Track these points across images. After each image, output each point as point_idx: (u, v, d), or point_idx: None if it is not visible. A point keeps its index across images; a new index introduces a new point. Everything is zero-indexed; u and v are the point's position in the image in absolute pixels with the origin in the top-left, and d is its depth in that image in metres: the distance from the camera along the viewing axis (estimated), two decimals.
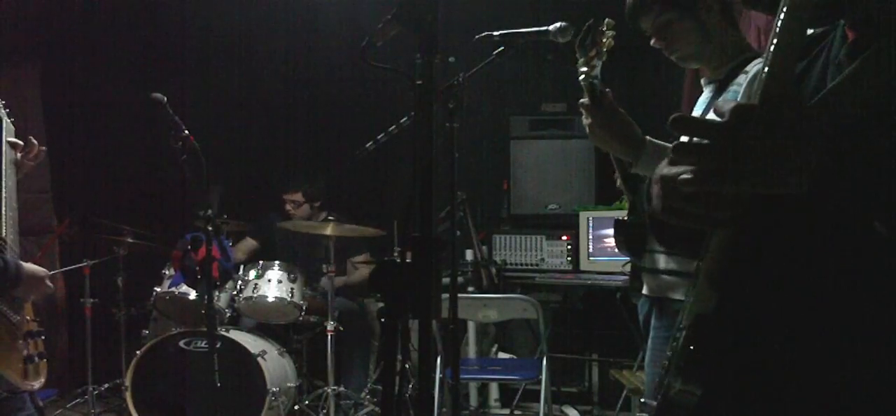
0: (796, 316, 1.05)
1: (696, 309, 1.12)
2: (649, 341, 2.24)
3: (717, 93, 2.12)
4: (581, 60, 1.99)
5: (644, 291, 2.27)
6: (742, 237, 1.04)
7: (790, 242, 1.04)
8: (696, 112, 2.22)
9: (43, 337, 2.55)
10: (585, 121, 2.01)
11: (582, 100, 2.01)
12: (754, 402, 1.11)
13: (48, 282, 2.49)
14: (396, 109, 2.66)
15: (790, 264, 1.06)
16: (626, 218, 2.26)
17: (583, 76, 1.99)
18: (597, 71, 1.98)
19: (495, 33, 2.45)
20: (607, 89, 2.00)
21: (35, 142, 2.56)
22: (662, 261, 2.17)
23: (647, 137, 2.00)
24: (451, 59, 2.29)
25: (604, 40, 1.96)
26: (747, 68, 2.05)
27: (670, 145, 2.01)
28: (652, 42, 2.16)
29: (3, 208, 2.43)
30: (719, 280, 1.08)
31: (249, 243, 5.11)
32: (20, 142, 2.53)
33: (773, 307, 1.05)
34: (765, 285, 1.07)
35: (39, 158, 2.58)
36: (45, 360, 2.53)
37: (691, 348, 1.09)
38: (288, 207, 5.01)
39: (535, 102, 5.39)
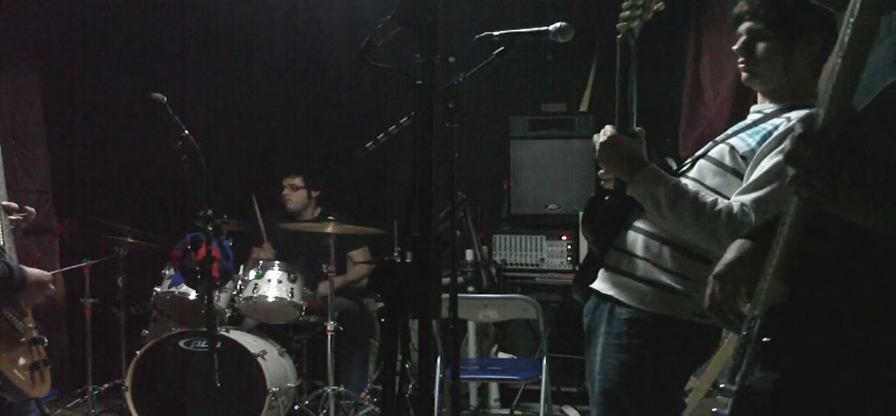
0: (865, 306, 1.08)
1: (768, 301, 1.17)
2: (599, 346, 2.13)
3: (759, 121, 2.06)
4: (625, 4, 1.94)
5: (596, 285, 2.19)
6: (808, 232, 1.09)
7: (852, 235, 1.06)
8: (728, 131, 2.15)
9: (45, 344, 2.55)
10: (604, 135, 2.03)
11: (607, 128, 2.04)
12: (830, 387, 1.14)
13: (50, 284, 2.49)
14: (396, 109, 2.66)
15: (855, 256, 1.09)
16: (606, 198, 2.20)
17: (623, 23, 1.94)
18: (636, 27, 1.94)
19: (495, 33, 2.45)
20: (640, 128, 2.04)
21: (30, 210, 2.56)
22: (628, 263, 2.10)
23: (650, 164, 2.01)
24: (451, 59, 2.28)
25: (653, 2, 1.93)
26: (791, 114, 1.99)
27: (666, 176, 2.02)
28: (735, 46, 2.09)
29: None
30: (787, 274, 1.13)
31: (259, 252, 5.09)
32: (14, 205, 2.52)
33: (842, 297, 1.08)
34: (833, 276, 1.12)
35: (28, 219, 2.57)
36: (49, 367, 2.53)
37: (766, 339, 1.15)
38: (285, 191, 5.02)
39: (535, 102, 5.38)
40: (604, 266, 2.18)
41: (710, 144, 2.17)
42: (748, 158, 1.99)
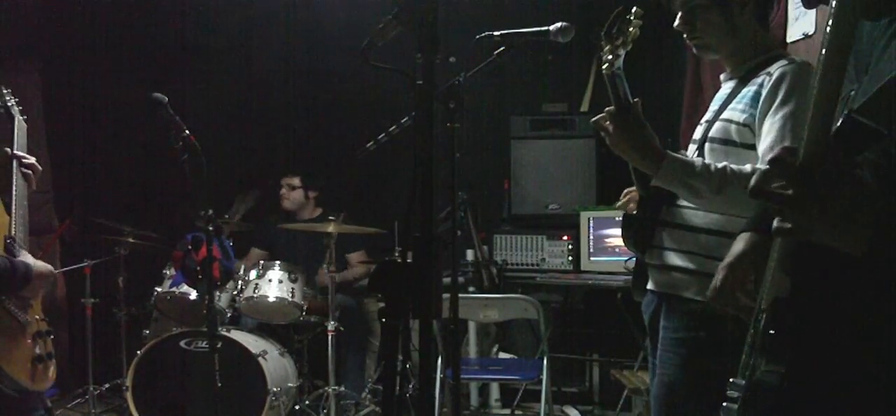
0: (867, 296, 1.08)
1: (772, 293, 1.19)
2: (659, 342, 2.18)
3: (739, 88, 2.11)
4: (606, 49, 1.95)
5: (650, 286, 2.23)
6: None
7: None
8: (714, 107, 2.20)
9: (52, 337, 2.55)
10: (608, 127, 1.99)
11: (609, 108, 1.99)
12: (835, 378, 1.15)
13: (51, 278, 2.50)
14: (397, 109, 2.66)
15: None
16: (634, 212, 2.23)
17: (606, 66, 1.95)
18: (620, 62, 1.96)
19: (496, 33, 2.45)
20: (637, 99, 1.98)
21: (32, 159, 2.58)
22: (675, 258, 2.13)
23: (669, 152, 1.98)
24: (452, 59, 2.29)
25: (630, 30, 1.93)
26: (770, 69, 2.03)
27: (691, 160, 2.04)
28: (675, 23, 2.15)
29: (14, 206, 2.45)
30: (789, 266, 1.15)
31: (257, 253, 5.10)
32: (30, 158, 2.56)
33: (843, 287, 1.09)
34: (833, 266, 1.12)
35: (37, 174, 2.59)
36: (53, 360, 2.53)
37: (771, 331, 1.17)
38: (282, 190, 5.03)
39: (535, 102, 5.39)
40: (650, 266, 2.22)
41: (702, 127, 2.19)
42: (750, 124, 2.02)
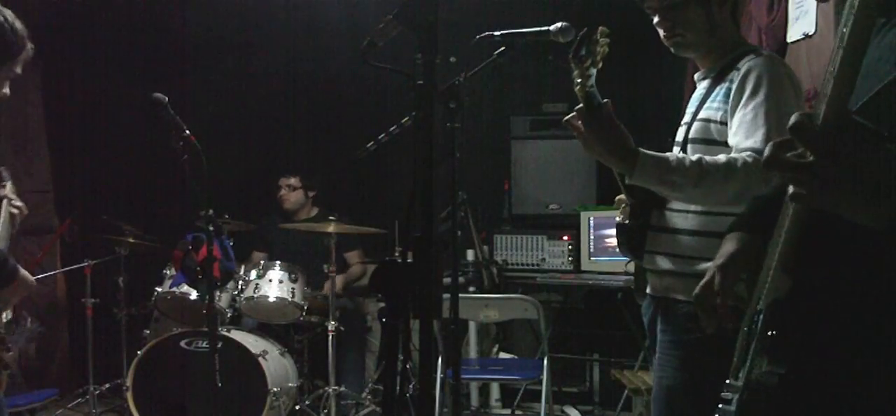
0: (868, 297, 1.08)
1: (771, 295, 1.17)
2: (658, 346, 2.19)
3: (713, 86, 2.12)
4: (576, 72, 1.97)
5: (648, 290, 2.24)
6: (810, 223, 1.09)
7: (855, 226, 1.05)
8: (691, 108, 2.20)
9: (11, 353, 2.52)
10: (579, 126, 1.96)
11: (578, 106, 1.97)
12: (835, 380, 1.15)
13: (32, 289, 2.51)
14: (397, 109, 2.66)
15: (858, 248, 1.08)
16: (626, 221, 2.25)
17: (578, 86, 1.97)
18: (592, 80, 1.96)
19: (496, 33, 2.45)
20: (607, 100, 1.95)
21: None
22: (664, 262, 2.15)
23: (641, 150, 1.95)
24: (452, 59, 2.28)
25: (598, 49, 1.94)
26: (739, 65, 2.04)
27: (666, 155, 2.04)
28: (654, 21, 2.15)
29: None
30: (792, 266, 1.13)
31: (258, 256, 5.09)
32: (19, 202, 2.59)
33: (846, 288, 1.08)
34: (836, 267, 1.11)
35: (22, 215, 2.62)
36: (7, 371, 2.51)
37: (771, 332, 1.16)
38: (282, 191, 5.02)
39: (536, 102, 5.39)
40: (647, 271, 2.22)
41: (682, 129, 2.20)
42: (726, 122, 2.03)
